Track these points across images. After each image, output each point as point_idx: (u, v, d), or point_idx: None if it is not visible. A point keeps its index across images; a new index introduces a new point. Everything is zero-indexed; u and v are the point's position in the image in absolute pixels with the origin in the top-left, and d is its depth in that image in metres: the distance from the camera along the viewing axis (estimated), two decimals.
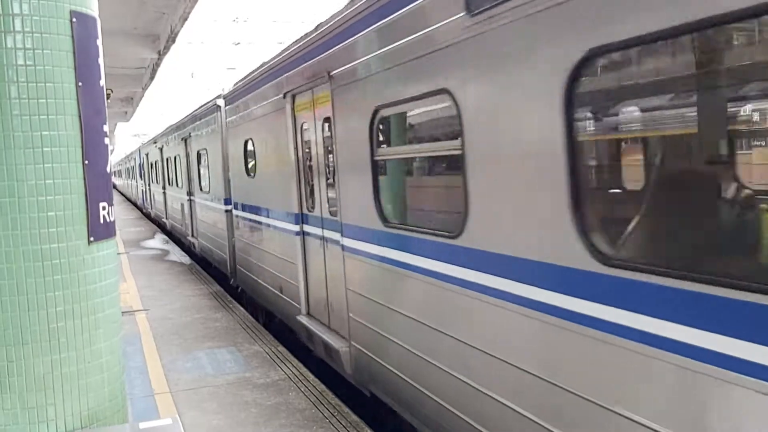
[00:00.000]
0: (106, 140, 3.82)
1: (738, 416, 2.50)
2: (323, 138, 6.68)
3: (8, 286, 3.41)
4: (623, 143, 3.70)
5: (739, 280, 2.46)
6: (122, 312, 4.23)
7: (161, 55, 15.50)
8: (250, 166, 9.64)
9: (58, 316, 3.49)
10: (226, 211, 11.64)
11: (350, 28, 5.59)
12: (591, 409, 3.16)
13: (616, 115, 3.58)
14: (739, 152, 3.18)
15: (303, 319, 7.42)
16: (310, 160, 7.19)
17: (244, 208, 10.25)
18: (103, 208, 3.68)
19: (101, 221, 3.67)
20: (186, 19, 12.70)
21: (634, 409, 2.92)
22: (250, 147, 9.52)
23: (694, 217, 3.02)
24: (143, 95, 24.65)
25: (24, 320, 3.42)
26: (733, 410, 2.51)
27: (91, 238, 3.60)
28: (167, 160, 19.59)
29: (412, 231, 4.83)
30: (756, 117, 3.13)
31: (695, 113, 3.15)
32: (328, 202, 6.66)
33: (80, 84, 3.56)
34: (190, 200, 15.89)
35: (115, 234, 3.88)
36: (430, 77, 4.36)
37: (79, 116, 3.56)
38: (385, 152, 5.37)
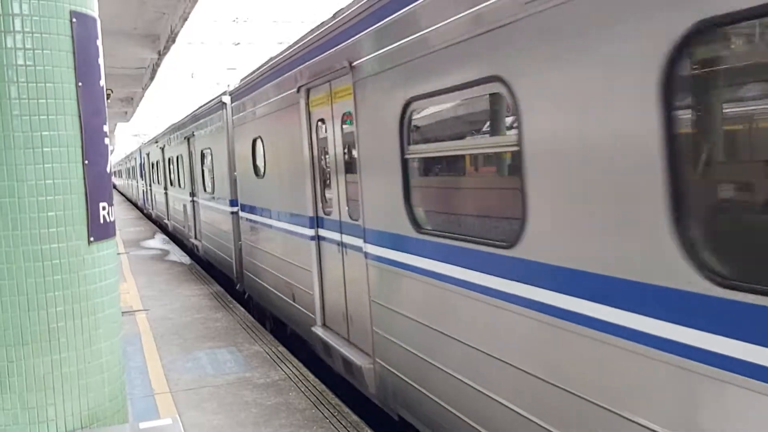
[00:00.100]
0: (106, 140, 3.82)
1: None
2: (342, 135, 6.16)
3: (8, 286, 3.41)
4: (742, 137, 2.89)
5: None
6: (122, 312, 4.23)
7: (161, 55, 15.50)
8: (259, 166, 9.12)
9: (58, 316, 3.49)
10: (232, 213, 11.17)
11: (377, 12, 5.03)
12: None
13: (733, 102, 2.83)
14: None
15: (319, 331, 6.86)
16: (327, 160, 6.67)
17: (252, 210, 9.70)
18: (103, 208, 3.68)
19: (101, 221, 3.67)
20: (186, 19, 12.70)
21: None
22: (259, 146, 9.00)
23: None
24: (143, 95, 24.66)
25: (24, 320, 3.43)
26: None
27: (91, 238, 3.61)
28: (169, 159, 19.28)
29: (450, 239, 4.28)
30: None
31: None
32: (347, 204, 6.14)
33: (80, 84, 3.56)
34: (193, 201, 15.45)
35: (115, 234, 3.88)
36: (476, 63, 3.80)
37: (79, 116, 3.57)
38: (419, 150, 4.76)
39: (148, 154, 26.34)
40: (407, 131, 4.74)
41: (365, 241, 5.52)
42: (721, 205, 2.80)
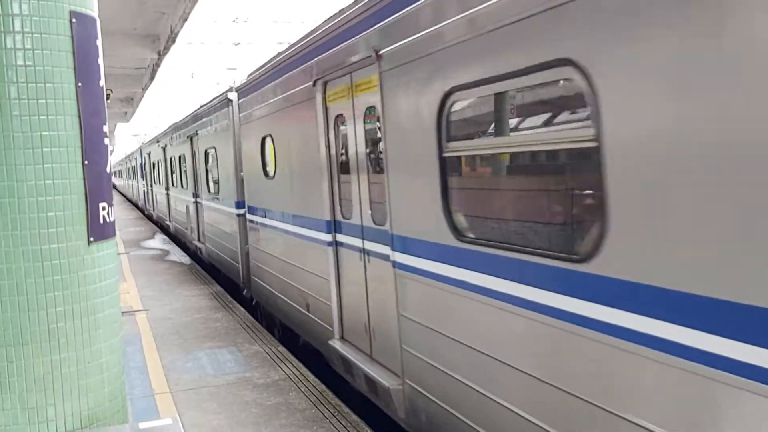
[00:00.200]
0: (106, 140, 3.82)
1: None
2: (365, 131, 5.65)
3: (8, 287, 3.41)
4: None
5: None
6: (122, 312, 4.23)
7: (161, 55, 15.51)
8: (268, 165, 8.57)
9: (57, 316, 3.49)
10: (239, 215, 10.68)
11: None
12: None
13: None
14: None
15: (336, 345, 6.34)
16: (346, 159, 6.12)
17: (261, 212, 9.14)
18: (103, 209, 3.68)
19: (101, 221, 3.67)
20: (186, 19, 12.70)
21: None
22: (268, 144, 8.44)
23: None
24: (143, 95, 24.67)
25: (24, 320, 3.43)
26: None
27: (91, 239, 3.61)
28: (171, 159, 18.82)
29: (501, 249, 3.75)
30: None
31: None
32: (370, 208, 5.64)
33: (80, 84, 3.56)
34: (196, 202, 15.00)
35: (115, 234, 3.88)
36: (540, 45, 3.27)
37: (79, 116, 3.57)
38: (461, 147, 4.21)
39: (149, 154, 26.09)
40: (446, 126, 4.22)
41: (393, 249, 5.01)
42: None
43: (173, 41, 14.05)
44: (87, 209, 3.59)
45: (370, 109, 5.47)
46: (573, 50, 3.05)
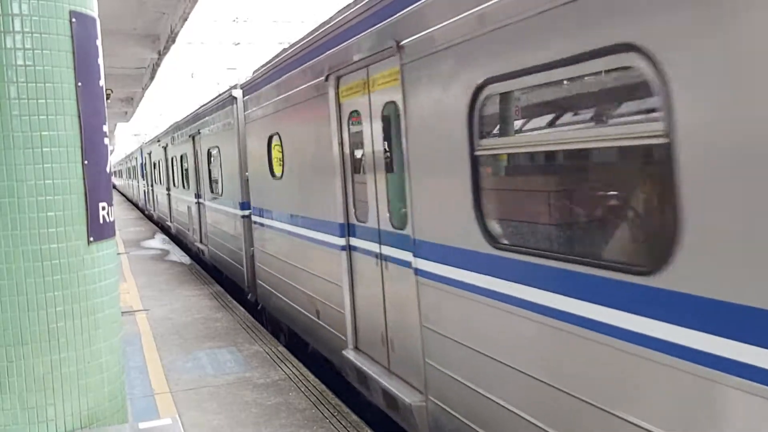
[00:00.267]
0: (106, 140, 3.82)
1: None
2: (382, 128, 5.31)
3: (8, 287, 3.41)
4: None
5: None
6: (122, 312, 4.23)
7: (161, 55, 15.51)
8: (275, 165, 8.23)
9: (57, 316, 3.49)
10: (243, 216, 10.34)
11: None
12: None
13: None
14: None
15: (350, 355, 5.98)
16: (362, 158, 5.79)
17: (268, 214, 8.77)
18: (103, 208, 3.69)
19: (101, 221, 3.67)
20: (186, 19, 12.70)
21: None
22: (276, 143, 8.10)
23: None
24: (143, 95, 24.66)
25: (24, 320, 3.43)
26: None
27: (91, 238, 3.61)
28: (172, 159, 18.46)
29: (546, 258, 3.37)
30: None
31: None
32: (389, 210, 5.31)
33: (80, 84, 3.56)
34: (198, 203, 14.66)
35: (114, 234, 3.89)
36: (597, 29, 2.92)
37: (79, 116, 3.57)
38: (497, 144, 3.94)
39: (149, 154, 25.90)
40: (479, 121, 3.87)
41: (415, 255, 4.68)
42: None
43: (173, 41, 14.05)
44: (87, 209, 3.59)
45: (389, 105, 5.16)
46: (639, 34, 2.70)
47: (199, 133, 13.79)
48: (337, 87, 6.09)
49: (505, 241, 3.77)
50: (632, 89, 2.98)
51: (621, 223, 3.27)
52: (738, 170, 2.39)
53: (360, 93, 5.65)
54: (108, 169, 3.80)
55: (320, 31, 6.40)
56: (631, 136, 2.93)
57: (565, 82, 3.37)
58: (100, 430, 3.63)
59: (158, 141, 22.08)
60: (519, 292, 3.59)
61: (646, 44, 2.68)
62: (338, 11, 6.07)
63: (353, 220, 6.02)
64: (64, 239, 3.50)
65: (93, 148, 3.64)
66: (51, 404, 3.50)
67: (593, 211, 3.49)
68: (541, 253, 3.43)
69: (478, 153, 3.90)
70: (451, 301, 4.29)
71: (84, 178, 3.58)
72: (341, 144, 6.10)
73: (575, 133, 3.43)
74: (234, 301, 10.50)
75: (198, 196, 14.66)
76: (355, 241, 6.02)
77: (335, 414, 5.66)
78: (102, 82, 3.76)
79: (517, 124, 3.96)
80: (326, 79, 6.15)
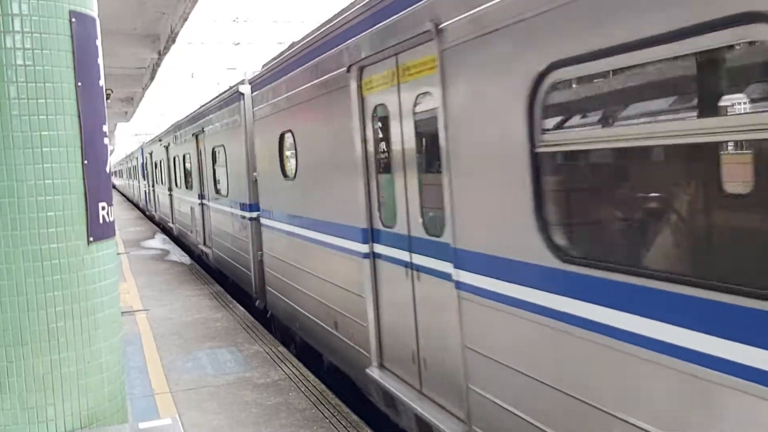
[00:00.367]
0: (106, 140, 3.82)
1: None
2: (415, 123, 4.80)
3: (8, 287, 3.41)
4: None
5: None
6: (122, 312, 4.23)
7: (161, 55, 15.51)
8: (288, 165, 7.72)
9: (57, 316, 3.49)
10: (251, 219, 9.87)
11: None
12: None
13: None
14: None
15: (376, 374, 5.47)
16: (389, 156, 5.27)
17: (278, 217, 8.21)
18: (103, 208, 3.68)
19: (101, 221, 3.67)
20: (186, 19, 12.70)
21: None
22: (288, 141, 7.54)
23: None
24: (143, 95, 24.67)
25: (23, 320, 3.42)
26: None
27: (91, 238, 3.61)
28: (174, 159, 18.05)
29: (635, 275, 2.83)
30: None
31: None
32: (421, 214, 4.80)
33: (79, 84, 3.56)
34: (202, 204, 14.18)
35: (114, 234, 3.89)
36: None
37: (79, 116, 3.57)
38: (568, 139, 3.33)
39: (150, 153, 25.69)
40: (541, 113, 3.33)
41: (456, 267, 4.19)
42: None
43: (173, 41, 14.06)
44: (86, 209, 3.59)
45: (423, 96, 4.67)
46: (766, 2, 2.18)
47: (203, 131, 13.36)
48: (360, 79, 5.56)
49: (576, 254, 3.21)
50: (760, 70, 2.48)
51: (752, 235, 2.64)
52: None
53: (387, 84, 5.13)
54: (108, 169, 3.80)
55: (341, 17, 5.84)
56: (755, 128, 2.39)
57: (659, 64, 2.80)
58: (100, 430, 3.63)
59: (160, 140, 21.75)
60: (599, 316, 3.03)
61: None
62: None
63: (378, 225, 5.50)
64: (64, 239, 3.50)
65: (93, 148, 3.64)
66: (51, 404, 3.50)
67: (710, 219, 2.93)
68: (628, 271, 2.88)
69: (539, 150, 3.34)
70: (502, 320, 3.76)
71: (84, 178, 3.58)
72: (364, 141, 5.56)
73: (669, 126, 2.82)
74: (234, 301, 10.50)
75: (201, 197, 14.27)
76: (379, 248, 5.49)
77: (335, 414, 5.66)
78: (102, 82, 3.76)
79: (595, 115, 3.44)
80: (348, 70, 5.62)
